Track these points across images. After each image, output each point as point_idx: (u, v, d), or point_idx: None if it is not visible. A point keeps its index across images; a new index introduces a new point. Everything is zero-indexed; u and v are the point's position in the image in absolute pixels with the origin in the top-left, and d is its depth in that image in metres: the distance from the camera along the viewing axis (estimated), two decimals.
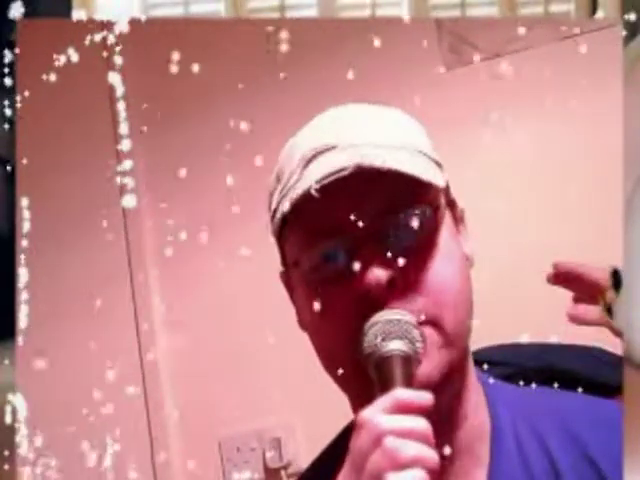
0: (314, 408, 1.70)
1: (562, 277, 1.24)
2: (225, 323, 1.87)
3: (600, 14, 1.82)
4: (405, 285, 0.78)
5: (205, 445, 1.88)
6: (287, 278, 0.87)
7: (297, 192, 0.78)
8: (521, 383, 0.93)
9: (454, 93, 1.78)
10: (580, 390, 0.96)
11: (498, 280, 1.59)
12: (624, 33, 1.20)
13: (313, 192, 0.77)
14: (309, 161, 0.80)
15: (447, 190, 0.85)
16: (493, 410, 0.84)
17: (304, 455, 1.82)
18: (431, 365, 0.77)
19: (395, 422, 0.69)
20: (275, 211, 0.83)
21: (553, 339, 1.11)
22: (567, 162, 1.74)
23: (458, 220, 0.86)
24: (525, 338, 1.14)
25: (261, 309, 1.84)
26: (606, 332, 1.20)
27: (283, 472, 1.85)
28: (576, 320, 1.23)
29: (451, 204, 0.85)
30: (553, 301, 1.27)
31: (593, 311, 1.21)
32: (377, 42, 1.67)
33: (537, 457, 0.82)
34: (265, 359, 1.83)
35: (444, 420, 0.79)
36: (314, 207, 0.78)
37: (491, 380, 0.88)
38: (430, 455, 0.68)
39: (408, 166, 0.78)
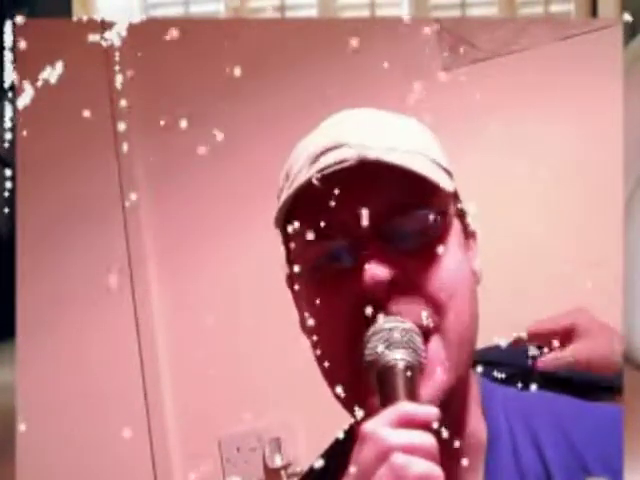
0: (314, 408, 1.69)
1: (535, 338, 1.22)
2: (225, 322, 1.87)
3: (600, 14, 1.82)
4: (406, 287, 0.76)
5: (205, 445, 1.88)
6: (292, 282, 0.85)
7: (299, 181, 0.77)
8: (520, 384, 0.93)
9: (454, 93, 1.78)
10: (580, 391, 0.95)
11: (497, 280, 1.59)
12: (624, 33, 1.20)
13: (314, 181, 0.75)
14: (317, 157, 0.79)
15: (457, 200, 0.83)
16: (490, 417, 0.83)
17: (304, 455, 1.82)
18: (435, 382, 0.75)
19: (403, 437, 0.67)
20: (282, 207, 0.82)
21: None
22: (567, 162, 1.74)
23: (469, 235, 0.84)
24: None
25: (261, 308, 1.84)
26: None
27: (283, 472, 1.85)
28: (547, 367, 1.20)
29: (462, 217, 0.84)
30: (553, 301, 1.27)
31: (563, 357, 1.19)
32: (376, 42, 1.67)
33: (532, 464, 0.81)
34: (265, 359, 1.83)
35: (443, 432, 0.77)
36: (318, 204, 0.76)
37: (488, 383, 0.87)
38: (437, 473, 0.67)
39: (414, 165, 0.76)
